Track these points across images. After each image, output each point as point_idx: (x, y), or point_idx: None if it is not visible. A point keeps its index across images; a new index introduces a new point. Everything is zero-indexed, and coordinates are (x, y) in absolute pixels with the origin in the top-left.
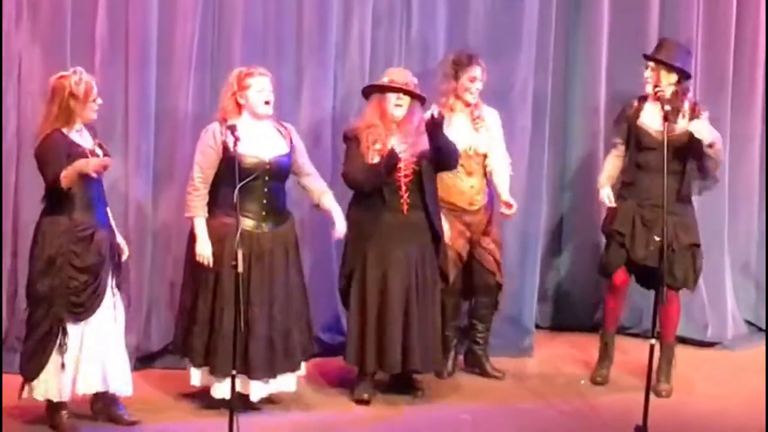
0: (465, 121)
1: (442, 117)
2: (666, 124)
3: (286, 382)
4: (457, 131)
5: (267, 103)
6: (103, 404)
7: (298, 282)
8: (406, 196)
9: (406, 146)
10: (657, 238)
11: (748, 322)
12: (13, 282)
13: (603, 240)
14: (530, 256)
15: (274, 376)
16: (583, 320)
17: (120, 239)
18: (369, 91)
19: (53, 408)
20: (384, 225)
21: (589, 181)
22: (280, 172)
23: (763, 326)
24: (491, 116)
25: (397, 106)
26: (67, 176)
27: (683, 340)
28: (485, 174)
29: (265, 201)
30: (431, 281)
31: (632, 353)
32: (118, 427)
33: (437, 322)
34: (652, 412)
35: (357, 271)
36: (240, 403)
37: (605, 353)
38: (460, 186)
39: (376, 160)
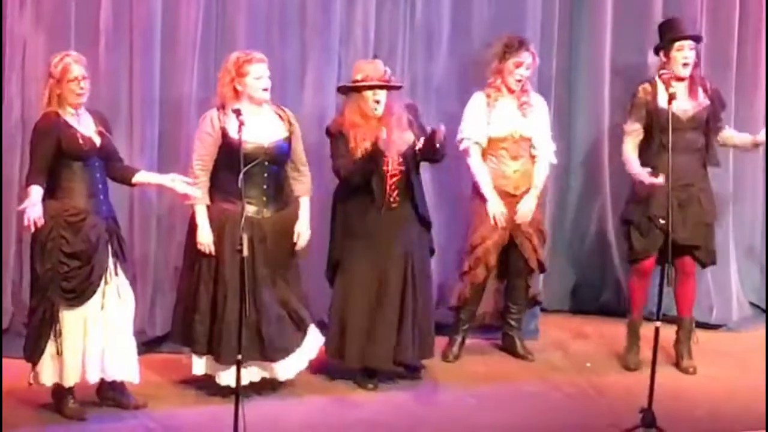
0: (511, 105)
1: (442, 139)
2: (670, 105)
3: (302, 359)
4: (503, 114)
5: (265, 89)
6: (109, 390)
7: (298, 265)
8: (395, 194)
9: (391, 143)
10: (662, 221)
11: (753, 305)
12: (17, 267)
13: (609, 223)
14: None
15: (294, 351)
16: (589, 303)
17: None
18: (345, 90)
19: (59, 393)
20: (372, 221)
21: (594, 163)
22: (279, 156)
23: None
24: (538, 103)
25: (375, 101)
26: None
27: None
28: (532, 158)
29: (265, 186)
30: (423, 271)
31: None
32: (124, 413)
33: (429, 311)
34: (658, 394)
35: (343, 265)
36: (250, 389)
37: (634, 339)
38: (504, 170)
39: None
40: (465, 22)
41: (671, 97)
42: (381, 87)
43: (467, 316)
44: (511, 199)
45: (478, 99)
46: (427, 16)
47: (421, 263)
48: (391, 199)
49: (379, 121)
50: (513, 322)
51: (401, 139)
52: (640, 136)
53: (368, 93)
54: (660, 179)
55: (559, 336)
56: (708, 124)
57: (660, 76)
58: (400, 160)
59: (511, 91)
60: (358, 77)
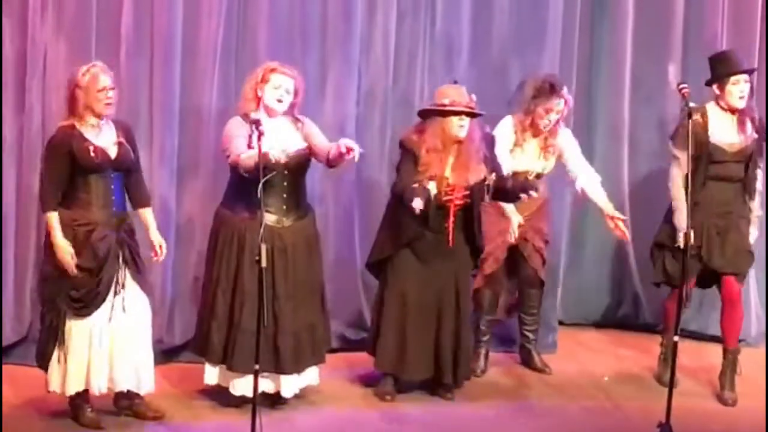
0: (535, 146)
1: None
2: (689, 120)
3: (311, 376)
4: (525, 153)
5: (279, 101)
6: (127, 400)
7: (319, 276)
8: (452, 222)
9: (460, 178)
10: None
11: None
12: (36, 275)
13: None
14: (553, 252)
15: (303, 371)
16: (607, 317)
17: (156, 237)
18: (428, 114)
19: (76, 402)
20: (424, 242)
21: (612, 177)
22: (299, 166)
23: None
24: (565, 137)
25: (460, 127)
26: (49, 225)
27: (706, 338)
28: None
29: (285, 195)
30: (468, 294)
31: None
32: (141, 423)
33: (470, 335)
34: (675, 410)
35: (388, 272)
36: (264, 400)
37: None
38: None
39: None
40: (485, 34)
41: (690, 112)
42: (468, 114)
43: (486, 326)
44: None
45: (507, 126)
46: (446, 28)
47: (465, 287)
48: (447, 226)
49: (458, 145)
50: (530, 335)
51: (474, 171)
52: (684, 164)
53: (454, 118)
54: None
55: (577, 350)
56: (752, 156)
57: (679, 90)
58: (467, 193)
59: (538, 133)
60: (445, 101)
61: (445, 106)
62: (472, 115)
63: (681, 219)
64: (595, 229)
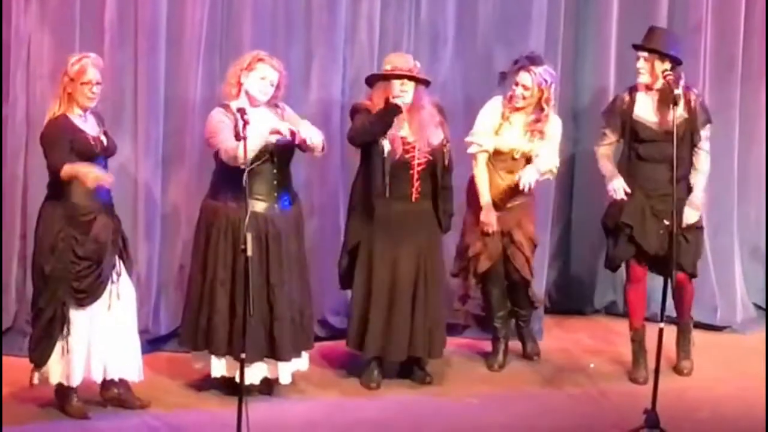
0: (521, 124)
1: None
2: (675, 108)
3: (302, 361)
4: (510, 131)
5: (262, 92)
6: (113, 389)
7: (306, 261)
8: (417, 184)
9: (419, 136)
10: (666, 222)
11: (757, 306)
12: (22, 266)
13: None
14: (539, 239)
15: (299, 356)
16: (592, 304)
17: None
18: (372, 80)
19: (63, 393)
20: (393, 212)
21: (597, 164)
22: (284, 152)
23: None
24: (553, 124)
25: (402, 92)
26: (66, 173)
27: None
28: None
29: (275, 182)
30: (438, 268)
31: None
32: (127, 412)
33: (441, 309)
34: (661, 396)
35: (362, 253)
36: (264, 387)
37: (640, 352)
38: (497, 182)
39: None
40: (470, 22)
41: (675, 99)
42: (408, 78)
43: (500, 321)
44: (499, 210)
45: (494, 105)
46: (432, 16)
47: (434, 260)
48: (413, 190)
49: (408, 112)
50: (521, 323)
51: (433, 133)
52: (612, 141)
53: (395, 83)
54: (622, 192)
55: (563, 337)
56: (685, 136)
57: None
58: (429, 150)
59: (517, 109)
60: (387, 67)
61: (387, 71)
62: (414, 80)
63: (614, 183)
64: (580, 215)
